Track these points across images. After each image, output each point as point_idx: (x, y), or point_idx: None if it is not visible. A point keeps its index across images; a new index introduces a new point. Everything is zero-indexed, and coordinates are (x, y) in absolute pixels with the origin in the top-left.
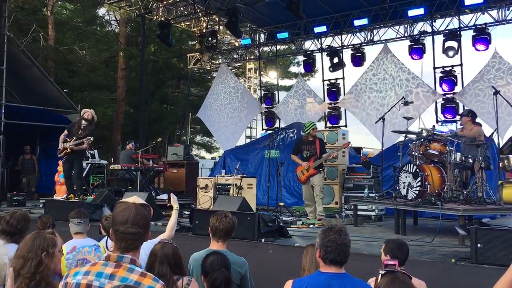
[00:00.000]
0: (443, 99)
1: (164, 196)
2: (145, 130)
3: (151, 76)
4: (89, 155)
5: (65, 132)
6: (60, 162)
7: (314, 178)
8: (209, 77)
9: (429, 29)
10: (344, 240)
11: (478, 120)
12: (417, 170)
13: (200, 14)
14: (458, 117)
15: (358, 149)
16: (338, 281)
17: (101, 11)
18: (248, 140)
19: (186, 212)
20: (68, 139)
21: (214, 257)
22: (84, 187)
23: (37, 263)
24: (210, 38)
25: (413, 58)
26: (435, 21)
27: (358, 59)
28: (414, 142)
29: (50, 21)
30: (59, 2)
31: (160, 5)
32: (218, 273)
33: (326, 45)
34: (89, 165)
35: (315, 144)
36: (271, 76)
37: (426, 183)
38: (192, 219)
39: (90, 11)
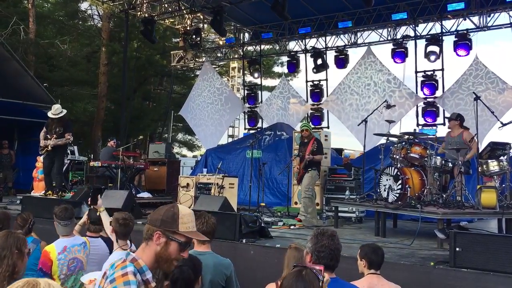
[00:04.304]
0: (424, 103)
1: (144, 195)
2: (126, 127)
3: (133, 73)
4: (69, 151)
5: (44, 129)
6: (39, 158)
7: (303, 178)
8: (192, 75)
9: (412, 34)
10: (336, 245)
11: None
12: (398, 173)
13: (184, 12)
14: (439, 120)
15: (339, 151)
16: (330, 285)
17: (84, 5)
18: (230, 140)
19: None
20: (49, 136)
21: (182, 262)
22: (63, 184)
23: (13, 261)
24: (194, 36)
25: (395, 62)
26: (417, 26)
27: (341, 61)
28: (395, 145)
29: (31, 14)
30: None
31: (144, 1)
32: (177, 271)
33: (310, 46)
34: (69, 161)
35: (307, 146)
36: (255, 76)
37: (407, 186)
38: None
39: (72, 5)
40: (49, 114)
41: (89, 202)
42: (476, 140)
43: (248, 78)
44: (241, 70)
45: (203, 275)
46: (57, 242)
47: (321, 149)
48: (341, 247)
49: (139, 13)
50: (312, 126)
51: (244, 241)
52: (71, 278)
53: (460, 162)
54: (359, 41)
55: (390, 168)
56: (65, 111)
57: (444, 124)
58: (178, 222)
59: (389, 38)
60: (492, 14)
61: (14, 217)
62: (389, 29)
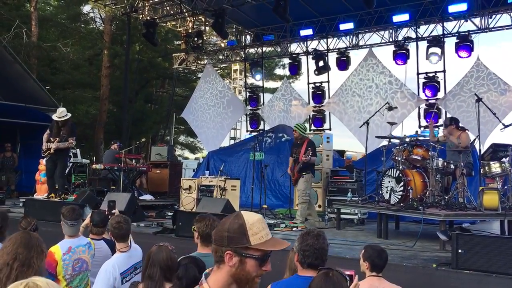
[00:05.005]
0: (426, 105)
1: (147, 197)
2: (128, 130)
3: (135, 75)
4: (71, 154)
5: (48, 131)
6: (41, 161)
7: (298, 182)
8: (194, 77)
9: (413, 35)
10: (322, 245)
11: (461, 124)
12: (400, 175)
13: (186, 14)
14: (441, 122)
15: (341, 153)
16: None
17: (86, 8)
18: (232, 142)
19: (169, 213)
20: (52, 139)
21: (187, 261)
22: (65, 186)
23: (39, 262)
24: (196, 39)
25: (397, 63)
26: (419, 27)
27: (343, 63)
28: (397, 147)
29: (33, 17)
30: None
31: (146, 4)
32: (182, 270)
33: (312, 48)
34: (71, 164)
35: (301, 148)
36: (256, 78)
37: (409, 188)
38: (175, 220)
39: (74, 8)
40: (54, 117)
41: (106, 212)
42: (479, 141)
43: (250, 80)
44: (243, 72)
45: None
46: (62, 243)
47: (315, 152)
48: (328, 247)
49: (141, 16)
50: (314, 128)
51: None
52: (77, 279)
53: (462, 164)
54: (361, 43)
55: (392, 170)
56: (69, 115)
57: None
58: (248, 235)
59: (390, 40)
60: (493, 16)
61: (17, 219)
62: (391, 30)
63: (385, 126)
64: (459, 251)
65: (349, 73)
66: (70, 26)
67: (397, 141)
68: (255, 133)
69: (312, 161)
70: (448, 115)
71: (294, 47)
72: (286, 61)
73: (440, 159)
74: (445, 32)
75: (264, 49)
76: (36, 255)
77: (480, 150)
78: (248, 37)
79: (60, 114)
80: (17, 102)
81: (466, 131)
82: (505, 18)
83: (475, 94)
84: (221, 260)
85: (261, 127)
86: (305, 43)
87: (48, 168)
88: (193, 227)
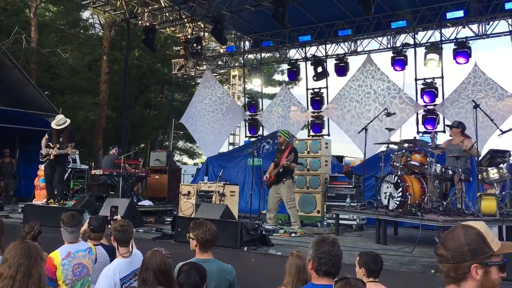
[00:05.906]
0: (424, 111)
1: (145, 203)
2: (127, 135)
3: (134, 81)
4: (70, 159)
5: (46, 136)
6: (41, 166)
7: (281, 190)
8: (193, 83)
9: (411, 41)
10: (337, 252)
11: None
12: (398, 180)
13: (185, 20)
14: (439, 128)
15: (340, 158)
16: None
17: (85, 14)
18: (231, 147)
19: (168, 219)
20: (51, 145)
21: (188, 267)
22: (64, 192)
23: (39, 270)
24: (195, 44)
25: (395, 70)
26: (417, 34)
27: (341, 69)
28: (395, 153)
29: (33, 23)
30: (42, 4)
31: (145, 10)
32: (183, 276)
33: (311, 54)
34: (70, 169)
35: (283, 153)
36: (255, 84)
37: (407, 193)
38: (174, 226)
39: (73, 14)
40: (53, 125)
41: (109, 218)
42: (476, 147)
43: (249, 86)
44: (242, 78)
45: (207, 282)
46: (61, 248)
47: (296, 159)
48: (342, 254)
49: (140, 22)
50: (313, 134)
51: (245, 249)
52: (78, 284)
53: (460, 170)
54: (359, 49)
55: (391, 175)
56: (68, 121)
57: (444, 131)
58: (488, 242)
59: (388, 46)
60: (491, 22)
61: (16, 225)
62: (389, 37)
63: (383, 132)
64: None
65: (348, 79)
66: (70, 32)
67: (395, 146)
68: (253, 139)
69: (291, 167)
70: (447, 122)
71: (293, 53)
72: (285, 67)
73: (438, 165)
74: (443, 38)
75: (263, 55)
76: (35, 264)
77: (478, 155)
78: (247, 43)
79: (59, 122)
80: (16, 107)
81: (470, 138)
82: (502, 25)
83: (473, 100)
84: (463, 277)
85: (260, 132)
86: (304, 49)
87: (47, 173)
88: (188, 234)
